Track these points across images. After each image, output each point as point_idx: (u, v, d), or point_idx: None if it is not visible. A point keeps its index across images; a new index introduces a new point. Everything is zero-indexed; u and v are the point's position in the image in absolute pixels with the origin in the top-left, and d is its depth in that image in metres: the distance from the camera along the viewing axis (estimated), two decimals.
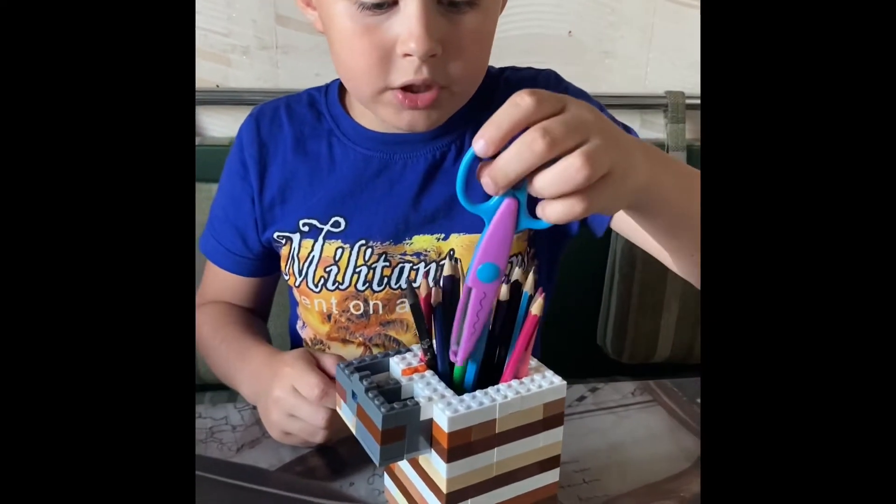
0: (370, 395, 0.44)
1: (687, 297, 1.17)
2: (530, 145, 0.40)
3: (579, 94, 0.75)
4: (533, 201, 0.43)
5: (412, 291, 0.47)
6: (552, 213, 0.42)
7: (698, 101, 1.23)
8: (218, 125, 1.16)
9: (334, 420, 0.57)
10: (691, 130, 1.23)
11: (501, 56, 1.16)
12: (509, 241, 0.43)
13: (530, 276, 0.48)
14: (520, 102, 0.41)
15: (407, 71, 0.59)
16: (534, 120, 0.41)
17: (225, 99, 1.14)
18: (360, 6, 0.58)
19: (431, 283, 0.48)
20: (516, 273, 0.48)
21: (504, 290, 0.47)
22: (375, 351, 0.75)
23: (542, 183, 0.41)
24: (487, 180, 0.41)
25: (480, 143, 0.41)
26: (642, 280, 1.16)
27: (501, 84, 0.74)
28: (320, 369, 0.58)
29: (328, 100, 0.74)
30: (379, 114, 0.66)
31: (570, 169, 0.40)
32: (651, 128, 1.26)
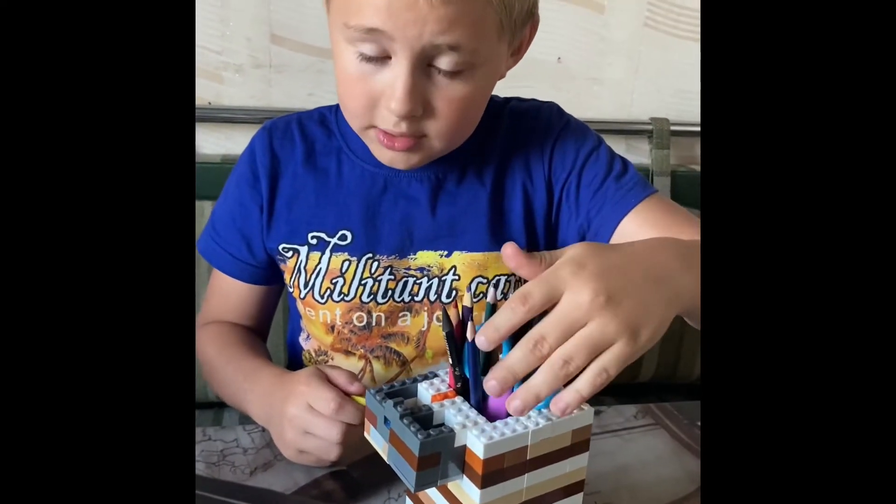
0: (405, 421, 0.45)
1: None
2: (539, 358, 0.43)
3: (580, 128, 0.77)
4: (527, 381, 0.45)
5: (447, 320, 0.48)
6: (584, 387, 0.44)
7: (683, 128, 1.26)
8: (210, 143, 1.16)
9: (349, 435, 0.58)
10: (676, 156, 1.26)
11: None
12: (504, 412, 0.47)
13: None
14: (515, 308, 0.44)
15: (388, 120, 0.63)
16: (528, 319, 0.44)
17: (217, 116, 1.14)
18: (359, 56, 0.61)
19: (469, 301, 0.49)
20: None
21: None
22: (376, 363, 0.76)
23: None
24: (495, 384, 0.44)
25: (482, 340, 0.44)
26: None
27: (506, 113, 0.77)
28: (332, 385, 0.60)
29: (338, 118, 0.76)
30: (367, 145, 0.70)
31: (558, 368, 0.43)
32: (636, 153, 1.28)
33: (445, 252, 0.73)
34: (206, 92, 1.14)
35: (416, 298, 0.74)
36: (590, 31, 1.22)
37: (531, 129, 0.76)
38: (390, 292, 0.73)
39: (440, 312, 0.64)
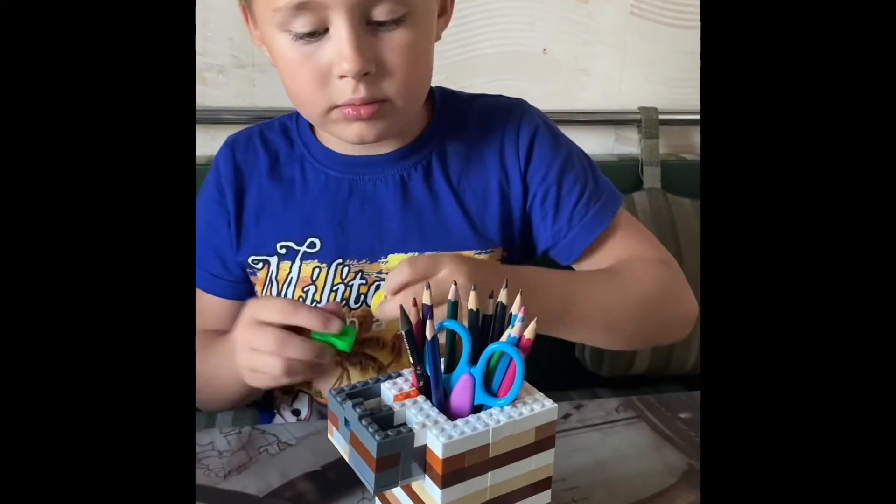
0: (364, 422, 0.45)
1: None
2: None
3: (553, 131, 0.77)
4: (488, 379, 0.48)
5: (405, 318, 0.47)
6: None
7: (671, 117, 1.25)
8: (196, 144, 1.15)
9: (289, 345, 0.61)
10: (665, 145, 1.25)
11: (477, 74, 1.18)
12: (466, 410, 0.48)
13: (517, 299, 0.49)
14: (402, 269, 0.58)
15: (345, 91, 0.63)
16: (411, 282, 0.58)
17: (201, 118, 1.14)
18: (294, 37, 0.61)
19: (429, 299, 0.49)
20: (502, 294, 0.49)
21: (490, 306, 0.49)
22: (352, 370, 0.75)
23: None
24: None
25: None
26: None
27: (474, 109, 0.76)
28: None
29: (299, 126, 0.76)
30: (332, 132, 0.69)
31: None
32: (625, 143, 1.28)
33: (416, 253, 0.72)
34: None
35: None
36: (574, 21, 1.21)
37: (504, 126, 0.75)
38: (363, 297, 0.73)
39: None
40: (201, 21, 1.11)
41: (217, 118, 1.14)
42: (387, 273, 0.71)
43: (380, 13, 0.60)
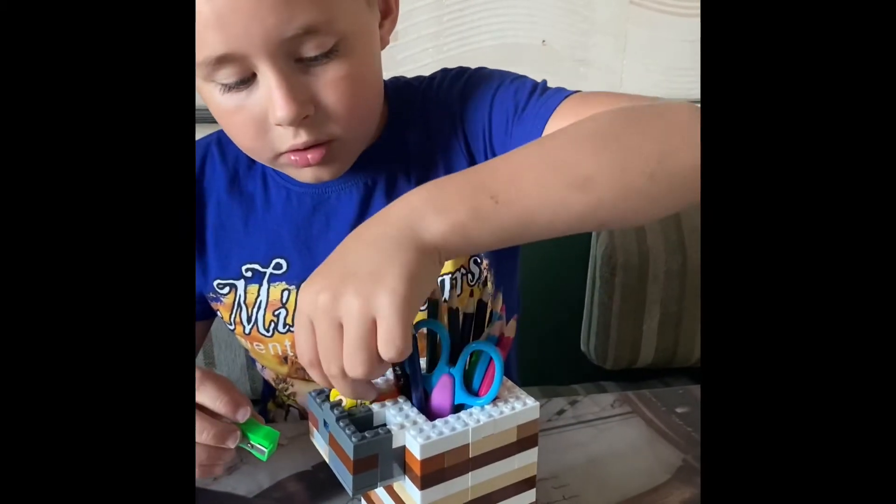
0: (341, 424, 0.44)
1: (668, 301, 1.18)
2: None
3: (481, 78, 0.68)
4: (469, 379, 0.47)
5: None
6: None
7: None
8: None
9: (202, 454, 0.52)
10: None
11: (476, 66, 1.17)
12: (447, 410, 0.47)
13: (500, 296, 0.48)
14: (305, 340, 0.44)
15: (286, 138, 0.57)
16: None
17: (203, 117, 1.13)
18: (222, 89, 0.56)
19: None
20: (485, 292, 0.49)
21: (470, 304, 0.48)
22: None
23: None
24: None
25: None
26: (623, 286, 1.16)
27: (430, 98, 0.69)
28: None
29: None
30: (288, 174, 0.64)
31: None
32: None
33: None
34: None
35: None
36: (573, 11, 1.20)
37: (436, 107, 0.68)
38: None
39: None
40: None
41: (206, 117, 1.13)
42: None
43: (308, 49, 0.54)
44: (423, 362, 0.49)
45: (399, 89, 0.70)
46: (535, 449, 0.48)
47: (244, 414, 0.52)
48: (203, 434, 0.51)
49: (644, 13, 1.21)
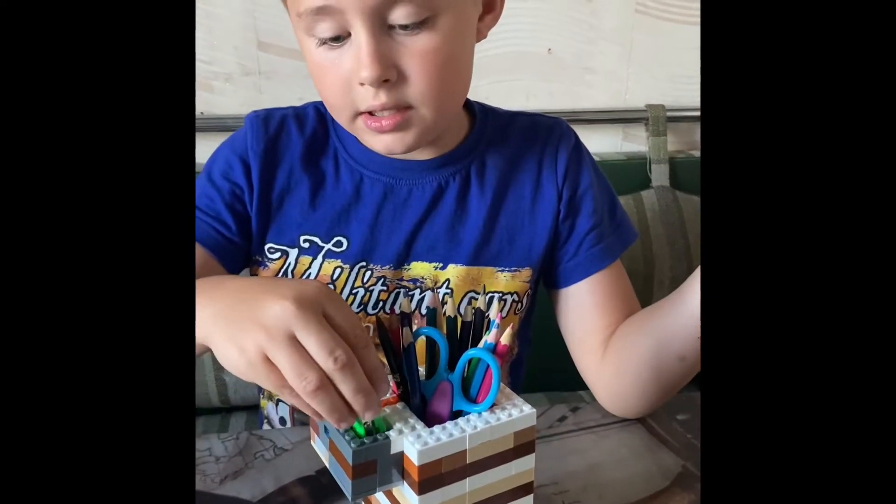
0: (341, 430, 0.45)
1: None
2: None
3: (587, 155, 0.76)
4: (467, 385, 0.48)
5: (381, 327, 0.47)
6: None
7: (679, 114, 1.24)
8: (203, 152, 1.15)
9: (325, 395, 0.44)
10: (673, 142, 1.24)
11: (481, 74, 1.18)
12: (445, 416, 0.48)
13: (494, 304, 0.49)
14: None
15: (367, 97, 0.60)
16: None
17: (209, 126, 1.15)
18: (319, 42, 0.60)
19: (399, 309, 0.49)
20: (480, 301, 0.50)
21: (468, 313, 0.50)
22: None
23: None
24: None
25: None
26: None
27: (515, 125, 0.74)
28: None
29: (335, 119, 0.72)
30: (362, 140, 0.67)
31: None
32: (633, 141, 1.27)
33: (441, 264, 0.70)
34: (197, 102, 1.15)
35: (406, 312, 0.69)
36: (579, 20, 1.20)
37: (544, 144, 0.74)
38: (381, 304, 0.70)
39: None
40: (206, 29, 1.12)
41: (224, 126, 1.15)
42: (408, 281, 0.70)
43: (399, 17, 0.57)
44: (421, 370, 0.50)
45: (486, 111, 0.75)
46: (532, 455, 0.49)
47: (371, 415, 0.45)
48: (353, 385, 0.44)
49: (650, 21, 1.22)
